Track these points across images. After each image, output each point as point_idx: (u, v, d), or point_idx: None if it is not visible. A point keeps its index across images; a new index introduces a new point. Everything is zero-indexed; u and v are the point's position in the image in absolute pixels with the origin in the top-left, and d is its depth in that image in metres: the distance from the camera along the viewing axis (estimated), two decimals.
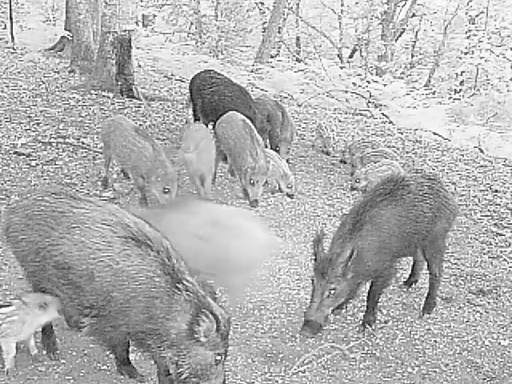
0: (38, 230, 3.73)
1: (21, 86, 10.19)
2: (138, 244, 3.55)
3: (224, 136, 7.22)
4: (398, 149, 10.09)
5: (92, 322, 3.68)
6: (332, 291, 4.44)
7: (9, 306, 3.82)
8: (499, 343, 4.93)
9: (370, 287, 4.85)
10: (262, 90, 14.11)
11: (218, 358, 3.47)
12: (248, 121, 7.31)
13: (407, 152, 10.11)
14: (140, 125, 8.69)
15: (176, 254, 3.64)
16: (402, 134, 11.53)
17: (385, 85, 15.49)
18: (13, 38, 14.00)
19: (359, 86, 15.42)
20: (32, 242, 3.75)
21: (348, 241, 4.47)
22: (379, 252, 4.60)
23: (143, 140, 6.32)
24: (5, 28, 15.84)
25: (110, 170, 6.90)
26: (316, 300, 4.46)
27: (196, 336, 3.41)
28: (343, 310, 5.05)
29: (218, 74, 8.91)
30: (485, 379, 4.46)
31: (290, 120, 8.60)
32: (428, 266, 5.21)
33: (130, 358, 3.93)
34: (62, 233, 3.65)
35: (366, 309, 4.89)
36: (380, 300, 5.01)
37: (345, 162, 8.75)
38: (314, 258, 4.52)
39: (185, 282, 3.51)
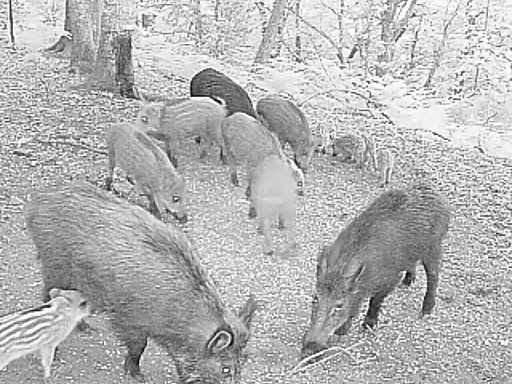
0: (65, 227, 3.75)
1: (21, 86, 10.18)
2: (156, 248, 3.58)
3: (236, 138, 7.09)
4: (397, 149, 10.09)
5: (113, 319, 3.73)
6: (338, 308, 4.26)
7: (48, 306, 3.72)
8: (499, 343, 4.94)
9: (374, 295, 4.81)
10: (262, 90, 14.10)
11: (227, 370, 3.49)
12: (259, 122, 7.30)
13: (407, 152, 10.11)
14: None
15: (198, 255, 3.68)
16: (402, 133, 11.52)
17: (385, 85, 15.47)
18: (13, 38, 13.98)
19: (359, 86, 15.40)
20: (59, 237, 3.77)
21: (353, 254, 4.36)
22: (383, 266, 4.53)
23: (146, 148, 6.22)
24: (5, 28, 15.83)
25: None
26: (321, 319, 4.22)
27: (211, 351, 3.46)
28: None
29: (218, 73, 8.91)
30: (485, 379, 4.46)
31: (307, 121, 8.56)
32: (425, 269, 5.20)
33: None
34: (87, 232, 3.69)
35: (367, 312, 4.88)
36: None
37: (335, 155, 9.10)
38: (317, 273, 4.38)
39: (206, 284, 3.55)
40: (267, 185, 5.96)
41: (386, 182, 8.25)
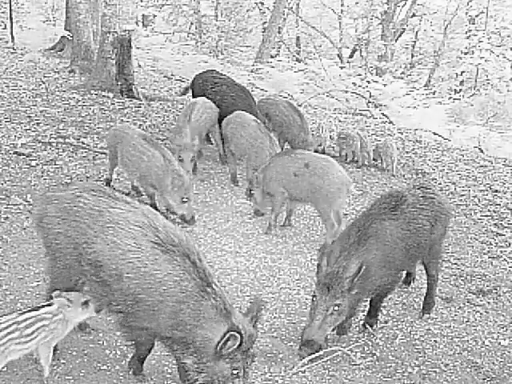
0: (75, 227, 3.76)
1: (21, 86, 10.19)
2: (165, 249, 3.58)
3: (235, 136, 7.13)
4: (397, 149, 10.08)
5: (120, 320, 3.73)
6: (336, 307, 4.26)
7: (49, 305, 3.74)
8: (499, 343, 4.93)
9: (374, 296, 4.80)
10: (262, 89, 14.11)
11: (236, 372, 3.48)
12: (259, 121, 7.30)
13: (407, 152, 10.11)
14: (140, 125, 8.70)
15: (204, 257, 3.67)
16: (402, 134, 11.52)
17: (385, 85, 15.48)
18: (13, 38, 13.99)
19: (359, 86, 15.40)
20: (70, 237, 3.78)
21: (353, 254, 4.36)
22: (383, 267, 4.53)
23: (152, 148, 6.20)
24: (5, 28, 15.84)
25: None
26: (318, 317, 4.24)
27: (220, 353, 3.45)
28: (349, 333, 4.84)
29: (221, 74, 8.91)
30: (485, 379, 4.46)
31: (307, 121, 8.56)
32: (425, 269, 5.20)
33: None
34: (96, 231, 3.69)
35: (367, 312, 4.88)
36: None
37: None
38: (317, 271, 4.38)
39: (214, 286, 3.55)
40: (337, 169, 6.15)
41: (393, 172, 8.54)
